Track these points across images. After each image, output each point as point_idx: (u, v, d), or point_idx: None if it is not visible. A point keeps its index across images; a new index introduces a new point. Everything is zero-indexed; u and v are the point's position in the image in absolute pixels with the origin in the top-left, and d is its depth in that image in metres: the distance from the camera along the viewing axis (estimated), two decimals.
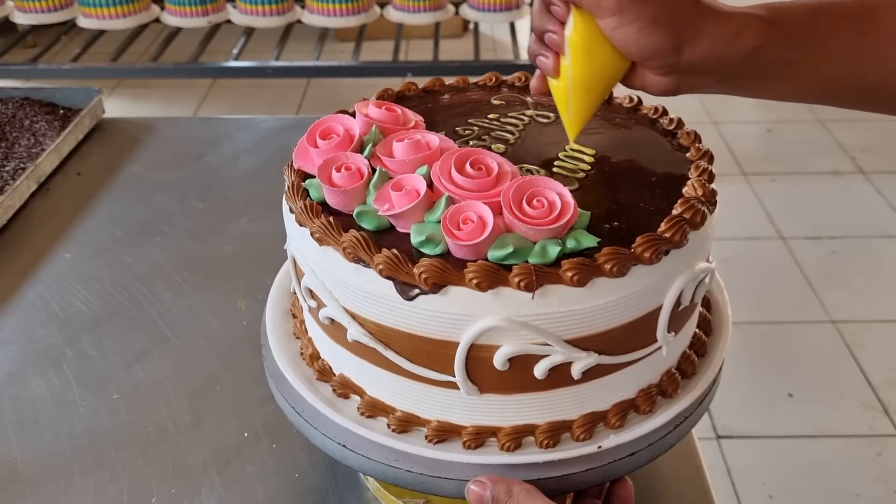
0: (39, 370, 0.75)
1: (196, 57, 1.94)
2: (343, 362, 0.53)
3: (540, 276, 0.44)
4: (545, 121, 0.61)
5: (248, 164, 1.07)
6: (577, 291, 0.45)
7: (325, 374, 0.55)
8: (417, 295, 0.45)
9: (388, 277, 0.45)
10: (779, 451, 1.59)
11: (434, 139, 0.52)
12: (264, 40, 2.12)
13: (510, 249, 0.45)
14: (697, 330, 0.57)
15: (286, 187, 0.53)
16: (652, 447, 0.51)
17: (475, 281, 0.44)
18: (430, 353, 0.47)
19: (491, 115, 0.61)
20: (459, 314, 0.45)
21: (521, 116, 0.61)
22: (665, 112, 0.61)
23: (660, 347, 0.50)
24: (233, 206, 0.98)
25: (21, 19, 1.90)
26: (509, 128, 0.59)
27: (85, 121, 1.11)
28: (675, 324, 0.51)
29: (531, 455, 0.49)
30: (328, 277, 0.49)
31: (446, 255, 0.46)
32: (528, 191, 0.47)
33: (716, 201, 0.51)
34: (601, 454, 0.50)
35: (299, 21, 1.95)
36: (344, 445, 0.51)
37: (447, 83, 0.66)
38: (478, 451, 0.50)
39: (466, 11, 1.99)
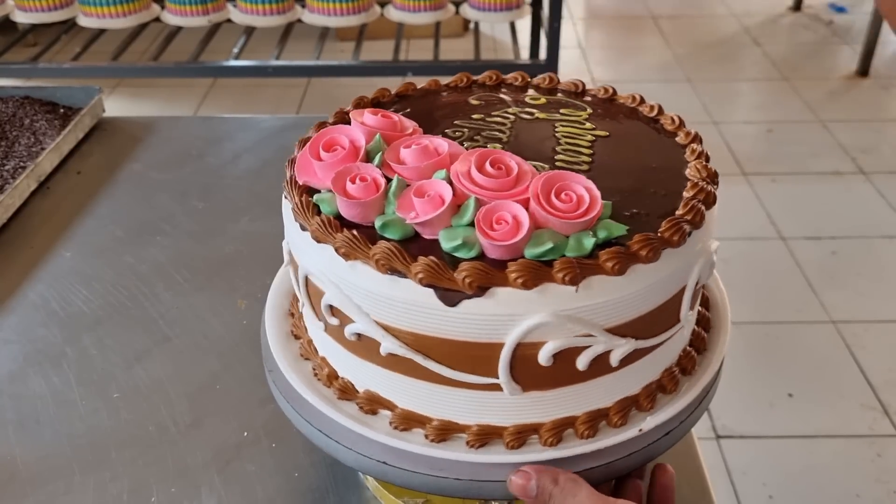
0: (40, 369, 0.75)
1: (196, 56, 1.94)
2: (370, 378, 0.52)
3: (582, 269, 0.45)
4: (529, 117, 0.61)
5: (248, 164, 1.07)
6: (617, 280, 0.46)
7: (347, 392, 0.53)
8: (461, 300, 0.45)
9: (428, 285, 0.45)
10: (779, 452, 1.59)
11: (442, 143, 0.52)
12: (265, 39, 2.12)
13: (549, 245, 0.45)
14: (701, 308, 0.59)
15: (293, 205, 0.52)
16: (683, 424, 0.53)
17: (520, 280, 0.44)
18: (472, 358, 0.47)
19: (475, 116, 0.61)
20: (505, 315, 0.45)
21: (506, 115, 0.61)
22: (643, 101, 0.63)
23: (682, 327, 0.52)
24: (233, 205, 0.98)
25: (21, 18, 1.89)
26: (498, 127, 0.59)
27: (85, 120, 1.11)
28: (693, 302, 0.52)
29: (573, 447, 0.49)
30: (356, 292, 0.48)
31: (481, 257, 0.46)
32: (555, 185, 0.47)
33: (717, 181, 0.53)
34: (640, 438, 0.50)
35: (300, 20, 1.95)
36: (384, 462, 0.51)
37: (419, 87, 0.66)
38: (520, 451, 0.50)
39: (467, 11, 1.99)
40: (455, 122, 0.60)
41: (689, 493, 0.64)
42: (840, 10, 3.72)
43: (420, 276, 0.44)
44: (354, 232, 0.47)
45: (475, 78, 0.67)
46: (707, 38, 3.52)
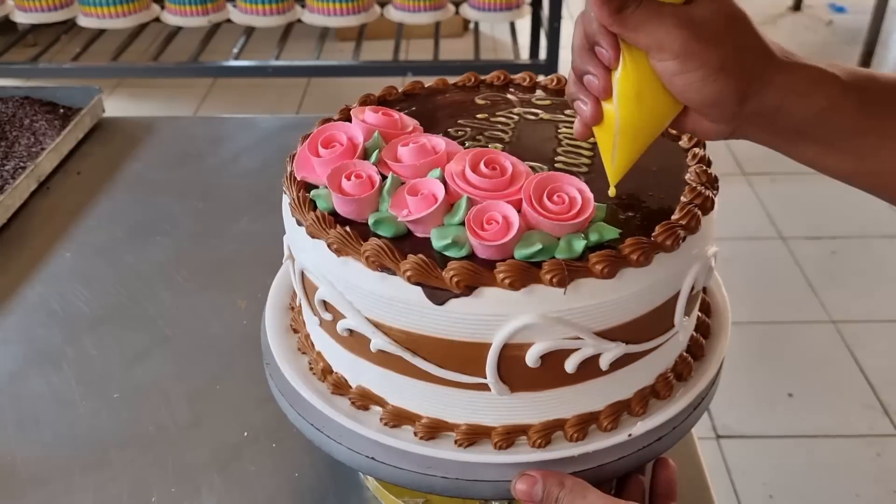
0: (40, 369, 0.75)
1: (196, 56, 1.95)
2: (362, 373, 0.52)
3: (571, 271, 0.44)
4: (533, 118, 0.61)
5: (248, 164, 1.07)
6: (606, 283, 0.45)
7: (340, 387, 0.54)
8: (448, 299, 0.45)
9: (416, 283, 0.45)
10: (779, 451, 1.59)
11: (440, 142, 0.52)
12: (264, 40, 2.12)
13: (538, 246, 0.45)
14: (700, 314, 0.58)
15: (290, 200, 0.52)
16: (676, 430, 0.52)
17: (507, 280, 0.44)
18: (460, 357, 0.47)
19: (480, 115, 0.61)
20: (492, 315, 0.45)
21: (511, 115, 0.61)
22: None
23: (677, 332, 0.51)
24: (233, 205, 0.98)
25: (21, 18, 1.90)
26: (501, 127, 0.59)
27: (85, 120, 1.11)
28: (689, 307, 0.52)
29: (562, 450, 0.49)
30: (348, 288, 0.48)
31: (471, 256, 0.46)
32: (547, 187, 0.47)
33: (717, 186, 0.53)
34: (630, 442, 0.50)
35: (299, 20, 1.95)
36: (372, 458, 0.51)
37: (427, 85, 0.66)
38: (508, 451, 0.50)
39: (467, 11, 1.99)
40: (459, 121, 0.60)
41: (689, 493, 0.64)
42: (840, 10, 3.72)
43: (409, 273, 0.45)
44: (347, 228, 0.48)
45: (483, 78, 0.67)
46: None
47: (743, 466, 1.56)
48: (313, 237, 0.49)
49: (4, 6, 1.90)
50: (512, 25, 2.13)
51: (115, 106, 1.55)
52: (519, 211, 0.46)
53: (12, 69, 2.00)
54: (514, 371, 0.47)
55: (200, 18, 1.92)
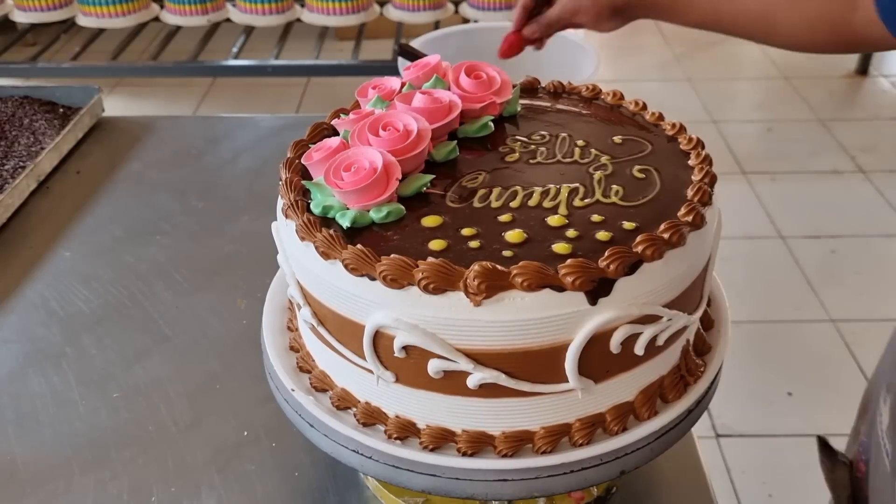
0: (40, 369, 0.74)
1: (196, 55, 1.94)
2: (319, 356, 0.55)
3: (440, 279, 0.44)
4: (601, 172, 0.54)
5: (248, 163, 1.07)
6: (474, 307, 0.44)
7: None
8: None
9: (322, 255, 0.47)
10: (778, 451, 1.59)
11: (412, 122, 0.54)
12: (264, 39, 2.12)
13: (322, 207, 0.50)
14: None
15: (281, 183, 0.54)
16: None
17: (385, 275, 0.45)
18: (350, 334, 0.49)
19: (579, 142, 0.58)
20: (365, 299, 0.46)
21: (601, 155, 0.56)
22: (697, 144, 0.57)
23: (571, 389, 0.47)
24: (233, 204, 0.98)
25: (21, 18, 1.90)
26: (552, 147, 0.57)
27: (85, 119, 1.11)
28: (595, 370, 0.47)
29: (414, 452, 0.50)
30: (297, 266, 0.51)
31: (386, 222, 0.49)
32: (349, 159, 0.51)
33: (664, 252, 0.46)
34: (484, 472, 0.49)
35: (299, 20, 1.95)
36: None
37: (568, 85, 0.66)
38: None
39: (466, 10, 1.99)
40: (563, 132, 0.59)
41: (689, 492, 0.64)
42: None
43: (321, 250, 0.47)
44: (308, 217, 0.50)
45: (651, 120, 0.61)
46: (706, 37, 3.52)
47: (742, 466, 1.56)
48: (287, 218, 0.52)
49: (4, 5, 1.90)
50: None
51: (115, 105, 1.55)
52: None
53: (11, 69, 2.00)
54: (389, 359, 0.48)
55: (200, 18, 1.92)
